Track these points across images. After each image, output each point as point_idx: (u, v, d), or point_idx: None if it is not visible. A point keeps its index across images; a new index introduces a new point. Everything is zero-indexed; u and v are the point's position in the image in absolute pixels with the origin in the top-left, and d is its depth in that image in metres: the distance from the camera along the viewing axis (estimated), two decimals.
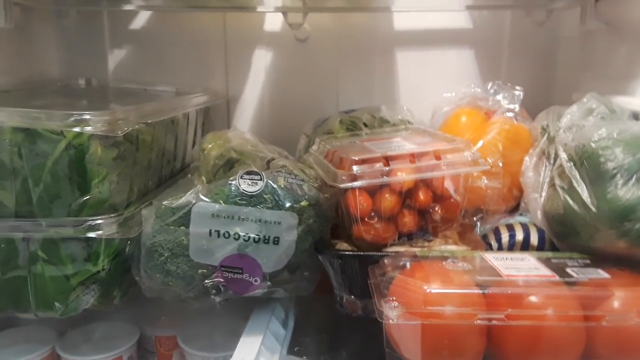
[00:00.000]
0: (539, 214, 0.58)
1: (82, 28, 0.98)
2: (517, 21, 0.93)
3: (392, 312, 0.46)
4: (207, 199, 0.57)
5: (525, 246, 0.61)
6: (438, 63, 0.96)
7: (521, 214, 0.68)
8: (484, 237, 0.65)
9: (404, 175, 0.57)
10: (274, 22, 0.97)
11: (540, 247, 0.61)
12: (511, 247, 0.62)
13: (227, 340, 0.69)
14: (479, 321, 0.45)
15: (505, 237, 0.63)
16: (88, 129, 0.55)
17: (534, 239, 0.61)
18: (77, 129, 0.55)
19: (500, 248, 0.62)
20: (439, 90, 0.88)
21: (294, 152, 0.87)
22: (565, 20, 0.91)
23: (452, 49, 0.96)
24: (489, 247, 0.63)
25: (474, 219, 0.66)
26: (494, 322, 0.44)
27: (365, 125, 0.81)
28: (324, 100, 0.99)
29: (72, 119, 0.55)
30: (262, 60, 0.99)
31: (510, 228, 0.63)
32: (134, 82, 0.98)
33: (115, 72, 1.01)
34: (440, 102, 0.85)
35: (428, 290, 0.46)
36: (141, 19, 0.99)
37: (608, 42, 0.79)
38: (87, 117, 0.55)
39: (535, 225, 0.62)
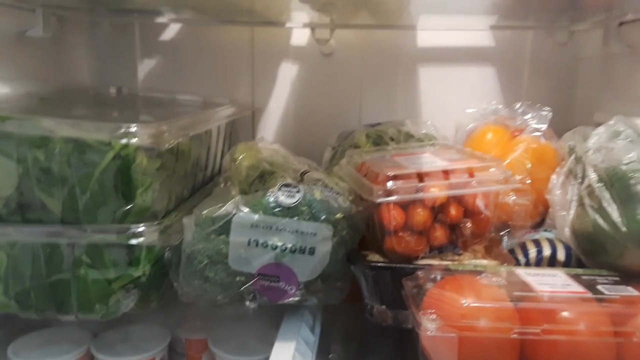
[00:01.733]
0: (567, 231, 0.60)
1: (114, 38, 1.02)
2: (538, 41, 0.96)
3: (430, 324, 0.47)
4: (246, 209, 0.60)
5: (552, 261, 0.63)
6: (460, 80, 0.99)
7: (546, 230, 0.70)
8: (511, 251, 0.67)
9: (437, 192, 0.59)
10: (301, 36, 1.00)
11: (567, 263, 0.63)
12: (539, 262, 0.64)
13: (257, 345, 0.72)
14: (515, 335, 0.46)
15: (532, 252, 0.65)
16: (135, 140, 0.58)
17: (561, 255, 0.63)
18: (124, 141, 0.58)
19: (527, 263, 0.64)
20: (461, 106, 0.90)
21: (318, 163, 0.89)
22: (587, 42, 0.93)
23: (474, 66, 0.99)
24: (517, 262, 0.65)
25: (501, 234, 0.68)
26: (530, 336, 0.46)
27: (392, 139, 0.84)
28: (347, 113, 1.01)
29: (120, 131, 0.57)
30: (287, 73, 1.02)
31: (537, 244, 0.65)
32: (162, 92, 1.01)
33: (145, 81, 1.04)
34: (463, 118, 0.88)
35: (465, 304, 0.48)
36: (171, 31, 1.02)
37: (630, 64, 0.81)
38: (135, 129, 0.58)
39: (561, 241, 0.64)
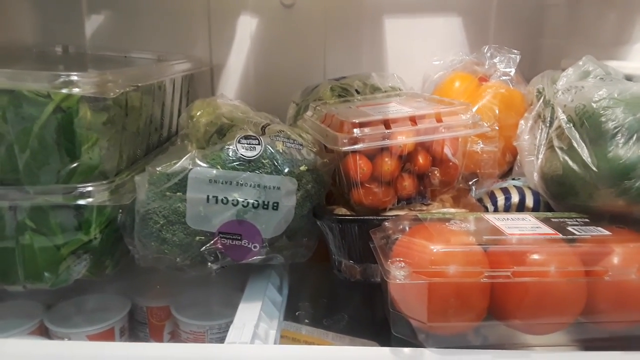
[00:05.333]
0: (536, 176, 0.59)
1: None
2: None
3: (399, 272, 0.45)
4: (204, 164, 0.56)
5: (521, 208, 0.62)
6: (426, 30, 0.95)
7: (514, 179, 0.68)
8: (479, 200, 0.65)
9: (404, 139, 0.57)
10: None
11: (535, 209, 0.62)
12: (507, 209, 0.63)
13: (221, 309, 0.69)
14: (485, 279, 0.45)
15: (501, 199, 0.63)
16: (77, 90, 0.53)
17: (529, 201, 0.62)
18: (65, 91, 0.52)
19: (496, 210, 0.63)
20: (427, 58, 0.88)
21: (282, 121, 0.85)
22: None
23: (440, 16, 0.95)
24: (485, 210, 0.64)
25: (469, 183, 0.66)
26: (500, 279, 0.45)
27: (357, 92, 0.80)
28: (311, 67, 0.97)
29: (60, 80, 0.52)
30: (247, 27, 0.96)
31: (506, 191, 0.64)
32: (112, 49, 0.94)
33: (93, 38, 0.97)
34: (431, 69, 0.85)
35: (435, 250, 0.46)
36: None
37: (597, 9, 0.79)
38: (76, 78, 0.53)
39: (529, 188, 0.63)
